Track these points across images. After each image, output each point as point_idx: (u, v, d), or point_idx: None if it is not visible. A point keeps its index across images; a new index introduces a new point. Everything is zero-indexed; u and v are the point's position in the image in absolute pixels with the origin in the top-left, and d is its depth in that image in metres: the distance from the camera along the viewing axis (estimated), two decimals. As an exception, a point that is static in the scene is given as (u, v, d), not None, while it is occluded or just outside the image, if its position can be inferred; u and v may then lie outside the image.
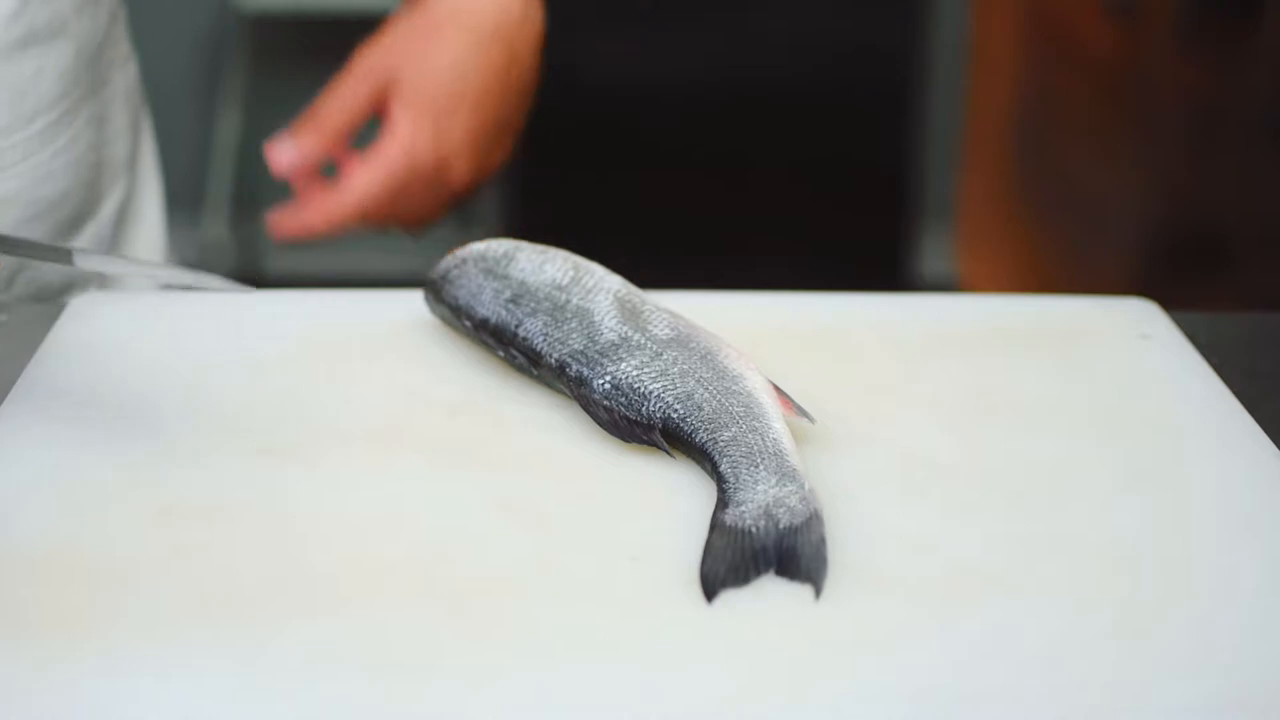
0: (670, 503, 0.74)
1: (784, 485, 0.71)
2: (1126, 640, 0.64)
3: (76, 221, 1.06)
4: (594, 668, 0.63)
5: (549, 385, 0.82)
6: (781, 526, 0.68)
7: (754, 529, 0.69)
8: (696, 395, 0.76)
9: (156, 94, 1.17)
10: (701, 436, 0.74)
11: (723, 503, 0.71)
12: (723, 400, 0.75)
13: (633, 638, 0.64)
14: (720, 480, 0.72)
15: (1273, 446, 0.79)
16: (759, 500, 0.70)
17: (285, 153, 1.00)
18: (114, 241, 1.10)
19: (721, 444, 0.73)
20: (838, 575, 0.68)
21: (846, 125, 2.92)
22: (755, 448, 0.73)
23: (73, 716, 0.60)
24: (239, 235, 3.00)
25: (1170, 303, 0.94)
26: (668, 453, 0.75)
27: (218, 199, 2.98)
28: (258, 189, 2.95)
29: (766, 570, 0.67)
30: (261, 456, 0.77)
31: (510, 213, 2.97)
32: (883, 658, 0.63)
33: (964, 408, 0.80)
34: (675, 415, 0.75)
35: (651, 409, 0.76)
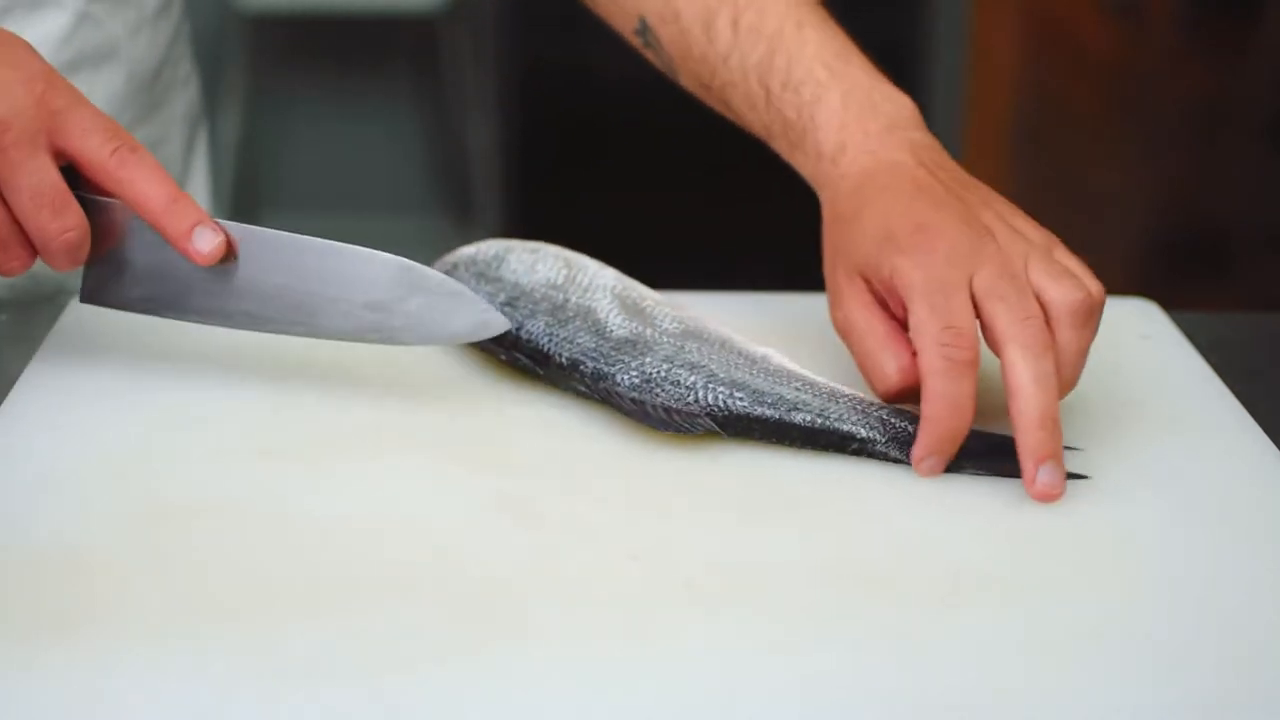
0: (670, 502, 0.74)
1: (906, 419, 0.76)
2: (1126, 640, 0.64)
3: None
4: (594, 667, 0.62)
5: (553, 384, 0.82)
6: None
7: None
8: (751, 382, 0.78)
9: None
10: (772, 415, 0.77)
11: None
12: (772, 383, 0.78)
13: (633, 637, 0.64)
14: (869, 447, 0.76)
15: (1273, 446, 0.79)
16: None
17: None
18: None
19: (825, 420, 0.77)
20: (837, 575, 0.68)
21: (847, 125, 2.91)
22: (855, 408, 0.77)
23: (70, 715, 0.60)
24: (239, 235, 3.00)
25: (1170, 303, 0.94)
26: (718, 433, 0.77)
27: (218, 199, 2.98)
28: (258, 189, 2.95)
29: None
30: (261, 456, 0.77)
31: (510, 213, 2.97)
32: (882, 657, 0.63)
33: (964, 408, 0.80)
34: (740, 403, 0.77)
35: (705, 398, 0.78)
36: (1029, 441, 0.73)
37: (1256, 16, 2.12)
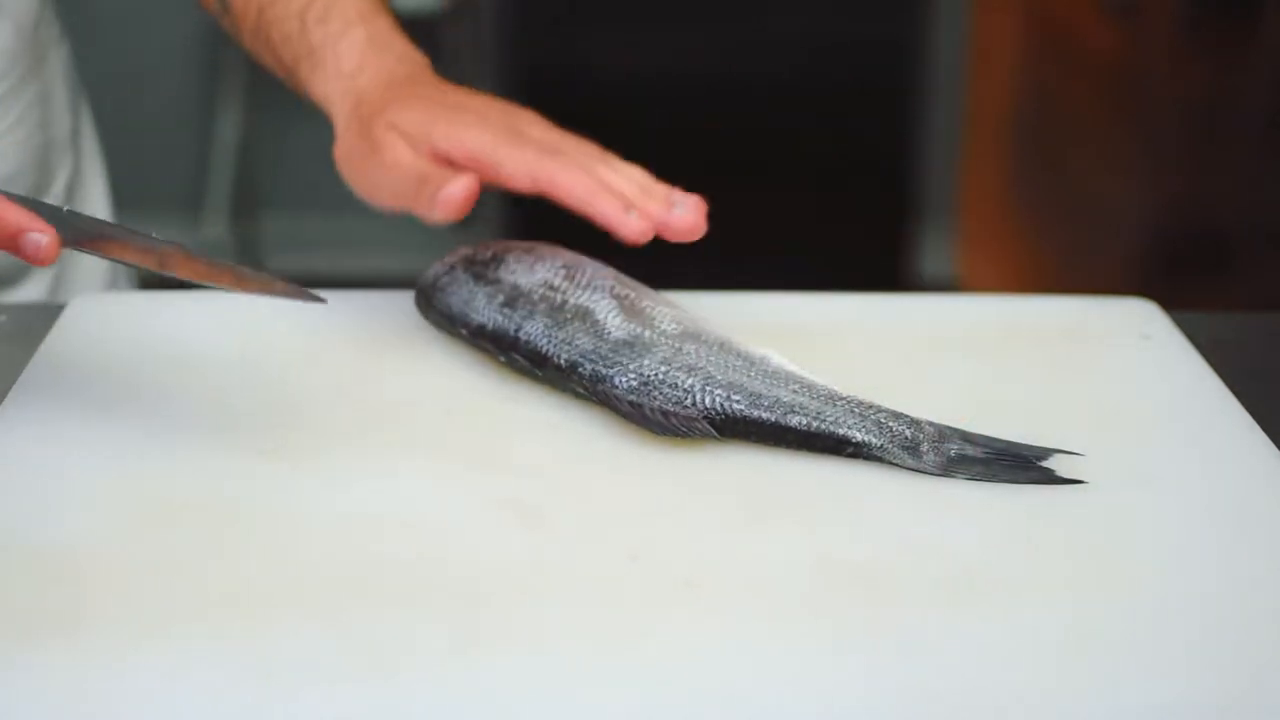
0: (670, 502, 0.74)
1: (904, 423, 0.77)
2: (1126, 639, 0.64)
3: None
4: (594, 666, 0.63)
5: (552, 386, 0.82)
6: (953, 455, 0.76)
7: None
8: (748, 384, 0.78)
9: (155, 93, 1.17)
10: (769, 418, 0.77)
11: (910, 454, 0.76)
12: (770, 385, 0.78)
13: (633, 636, 0.64)
14: (863, 449, 0.76)
15: (1272, 446, 0.79)
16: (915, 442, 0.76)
17: None
18: None
19: (822, 423, 0.77)
20: (836, 575, 0.68)
21: (847, 125, 2.92)
22: (852, 411, 0.77)
23: (70, 715, 0.60)
24: (239, 235, 3.00)
25: (1170, 303, 0.94)
26: (716, 437, 0.77)
27: (218, 199, 2.98)
28: (258, 189, 2.95)
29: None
30: (261, 456, 0.77)
31: (510, 212, 2.97)
32: (882, 657, 0.63)
33: (964, 408, 0.80)
34: (737, 405, 0.77)
35: (702, 401, 0.78)
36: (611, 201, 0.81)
37: (1256, 16, 2.12)
